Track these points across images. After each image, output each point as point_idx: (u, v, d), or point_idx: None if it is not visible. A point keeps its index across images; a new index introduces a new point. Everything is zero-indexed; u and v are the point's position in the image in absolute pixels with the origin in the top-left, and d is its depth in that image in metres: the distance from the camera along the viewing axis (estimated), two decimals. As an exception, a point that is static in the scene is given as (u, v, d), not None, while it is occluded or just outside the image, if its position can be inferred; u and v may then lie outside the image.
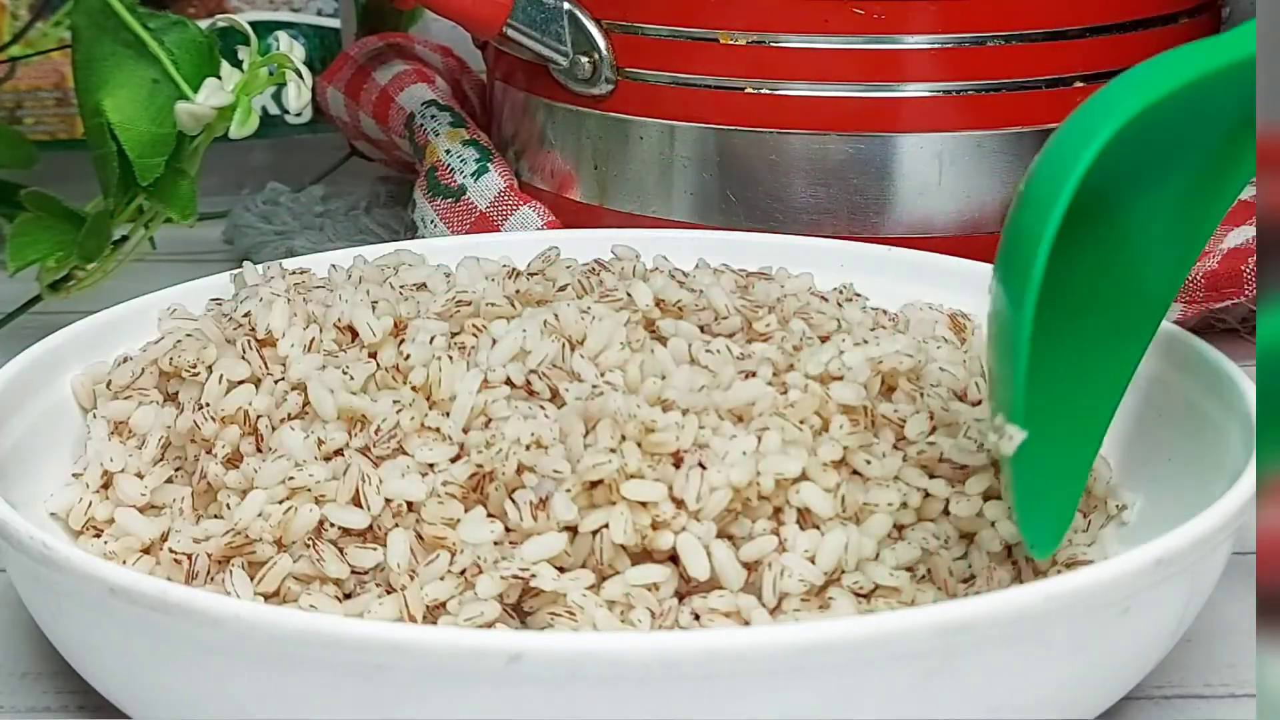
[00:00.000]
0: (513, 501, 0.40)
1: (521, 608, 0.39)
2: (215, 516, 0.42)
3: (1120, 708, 0.40)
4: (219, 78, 0.53)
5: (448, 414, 0.42)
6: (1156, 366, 0.46)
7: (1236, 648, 0.42)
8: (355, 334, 0.44)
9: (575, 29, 0.62)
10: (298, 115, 0.78)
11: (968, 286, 0.50)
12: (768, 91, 0.60)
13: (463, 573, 0.39)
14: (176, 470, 0.44)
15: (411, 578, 0.39)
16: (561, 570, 0.39)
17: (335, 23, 0.78)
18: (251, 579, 0.40)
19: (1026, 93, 0.60)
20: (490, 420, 0.41)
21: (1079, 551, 0.42)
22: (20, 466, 0.43)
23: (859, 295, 0.50)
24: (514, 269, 0.49)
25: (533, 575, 0.39)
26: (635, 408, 0.41)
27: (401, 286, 0.47)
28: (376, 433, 0.41)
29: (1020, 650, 0.34)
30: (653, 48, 0.61)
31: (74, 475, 0.45)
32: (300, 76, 0.53)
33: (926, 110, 0.60)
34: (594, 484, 0.40)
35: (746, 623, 0.39)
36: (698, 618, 0.39)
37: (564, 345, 0.43)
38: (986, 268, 0.40)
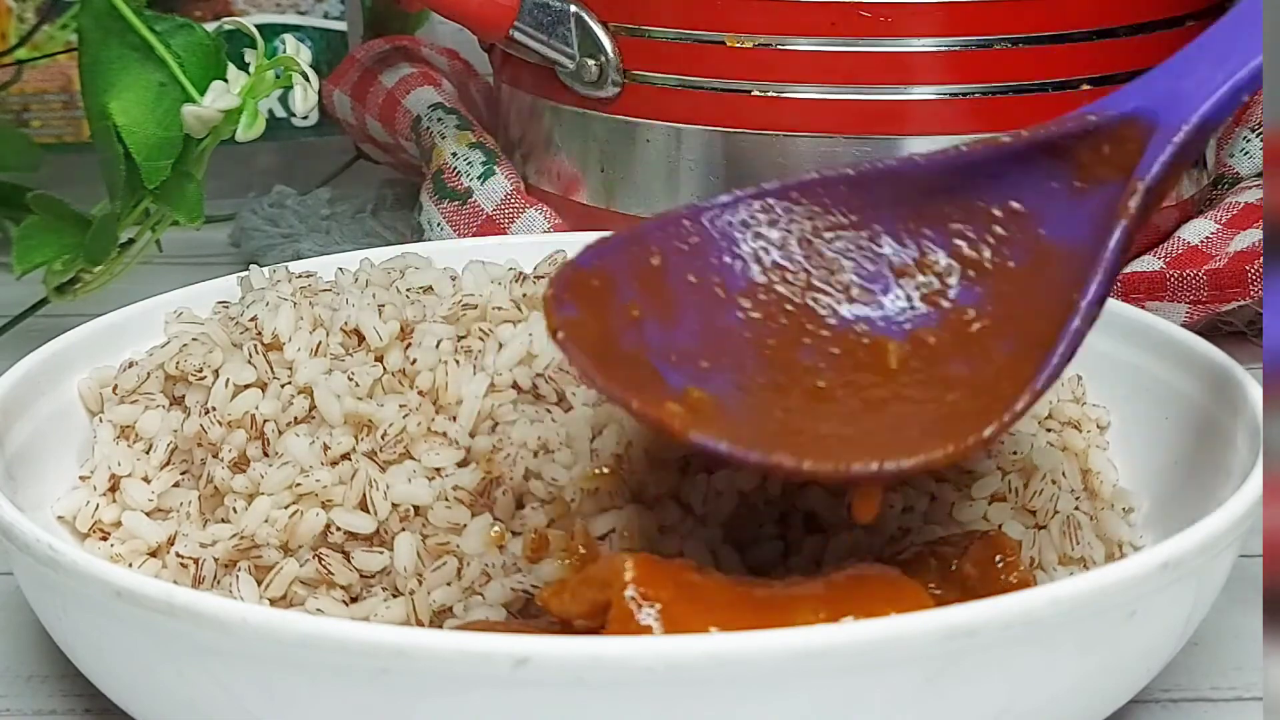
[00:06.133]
0: (520, 512, 0.40)
1: (528, 611, 0.39)
2: (222, 520, 0.42)
3: (1126, 711, 0.40)
4: (225, 81, 0.53)
5: (454, 418, 0.42)
6: (1163, 369, 0.46)
7: (1243, 651, 0.42)
8: (362, 338, 0.44)
9: (582, 31, 0.62)
10: (304, 118, 0.78)
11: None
12: (774, 94, 0.60)
13: (471, 583, 0.39)
14: (183, 474, 0.44)
15: (419, 582, 0.39)
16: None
17: (341, 25, 0.78)
18: (258, 583, 0.40)
19: (1033, 95, 0.60)
20: (497, 424, 0.41)
21: (1086, 554, 0.42)
22: (27, 469, 0.43)
23: (865, 298, 0.50)
24: (520, 272, 0.48)
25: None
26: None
27: (408, 290, 0.47)
28: (383, 437, 0.41)
29: (1026, 654, 0.34)
30: (659, 50, 0.61)
31: (80, 478, 0.45)
32: (306, 79, 0.53)
33: (933, 113, 0.59)
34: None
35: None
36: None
37: (570, 349, 0.43)
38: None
